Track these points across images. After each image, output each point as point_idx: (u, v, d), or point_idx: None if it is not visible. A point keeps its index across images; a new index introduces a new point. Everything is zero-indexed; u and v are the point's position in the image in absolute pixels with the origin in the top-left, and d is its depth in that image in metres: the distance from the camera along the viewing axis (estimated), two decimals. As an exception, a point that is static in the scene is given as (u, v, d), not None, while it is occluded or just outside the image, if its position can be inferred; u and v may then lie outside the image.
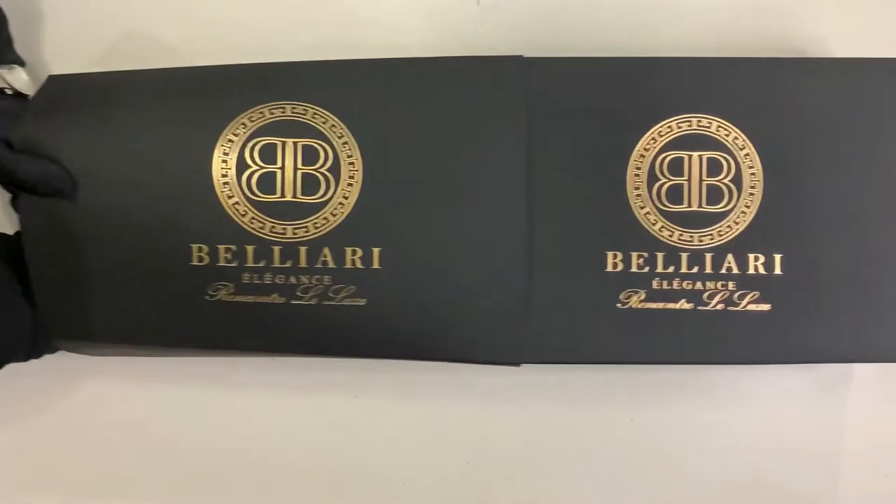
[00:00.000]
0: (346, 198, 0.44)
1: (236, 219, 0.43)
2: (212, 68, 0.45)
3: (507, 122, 0.44)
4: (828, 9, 0.50)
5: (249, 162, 0.44)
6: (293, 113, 0.44)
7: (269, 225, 0.43)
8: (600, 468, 0.50)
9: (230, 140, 0.44)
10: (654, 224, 0.44)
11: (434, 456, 0.50)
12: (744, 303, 0.44)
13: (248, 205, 0.43)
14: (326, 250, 0.43)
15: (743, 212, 0.44)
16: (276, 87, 0.44)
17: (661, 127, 0.45)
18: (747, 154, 0.44)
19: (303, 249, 0.43)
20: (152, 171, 0.43)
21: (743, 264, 0.44)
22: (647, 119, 0.45)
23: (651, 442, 0.50)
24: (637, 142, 0.44)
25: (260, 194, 0.44)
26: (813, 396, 0.50)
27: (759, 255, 0.44)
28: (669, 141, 0.44)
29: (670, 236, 0.44)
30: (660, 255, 0.44)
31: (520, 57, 0.44)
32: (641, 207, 0.44)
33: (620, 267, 0.44)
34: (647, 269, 0.44)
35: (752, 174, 0.44)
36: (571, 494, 0.50)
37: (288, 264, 0.43)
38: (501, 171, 0.44)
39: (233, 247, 0.43)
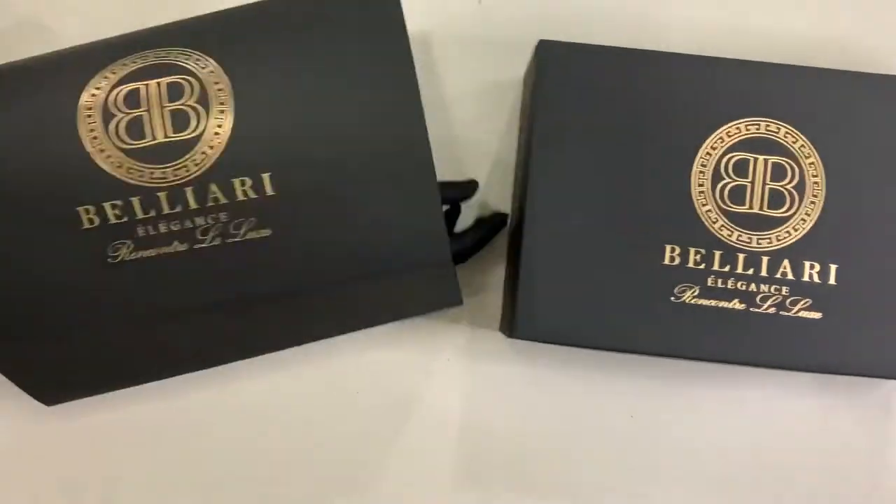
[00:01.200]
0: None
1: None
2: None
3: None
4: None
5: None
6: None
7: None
8: (600, 460, 0.51)
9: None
10: (714, 222, 0.44)
11: (429, 445, 0.51)
12: (795, 309, 0.44)
13: (119, 154, 0.40)
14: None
15: (803, 219, 0.45)
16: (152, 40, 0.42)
17: (729, 127, 0.45)
18: (812, 163, 0.45)
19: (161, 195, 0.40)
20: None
21: (798, 271, 0.44)
22: (717, 118, 0.45)
23: (651, 436, 0.51)
24: (706, 140, 0.45)
25: (130, 141, 0.40)
26: (814, 393, 0.51)
27: (815, 264, 0.44)
28: (737, 142, 0.45)
29: (729, 236, 0.44)
30: (717, 254, 0.44)
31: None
32: (703, 204, 0.45)
33: (677, 261, 0.44)
34: (703, 266, 0.44)
35: (816, 183, 0.45)
36: (571, 484, 0.51)
37: None
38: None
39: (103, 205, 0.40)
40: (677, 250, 0.44)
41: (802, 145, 0.45)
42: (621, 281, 0.44)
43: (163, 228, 0.40)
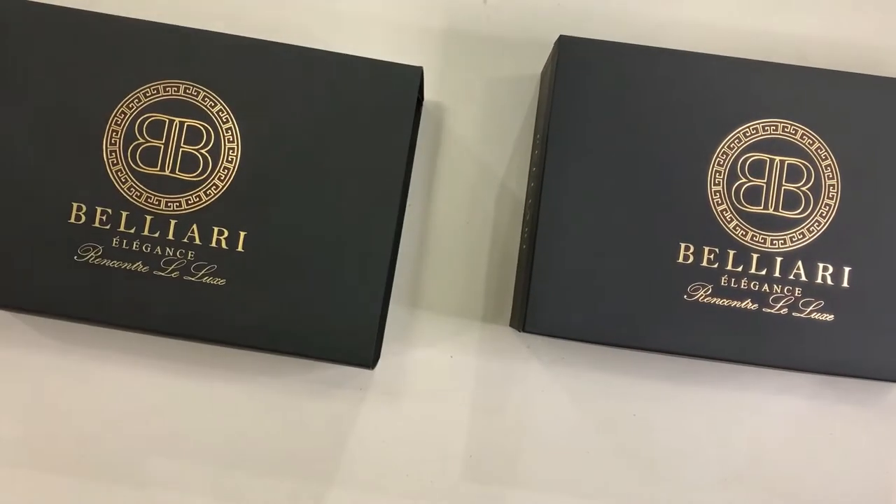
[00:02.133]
0: (220, 180, 0.45)
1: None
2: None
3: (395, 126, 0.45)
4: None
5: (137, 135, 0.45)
6: (185, 94, 0.45)
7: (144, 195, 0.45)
8: (603, 459, 0.51)
9: (123, 113, 0.45)
10: (729, 222, 0.45)
11: (433, 444, 0.51)
12: (808, 310, 0.44)
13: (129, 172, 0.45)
14: (194, 227, 0.45)
15: (818, 221, 0.45)
16: (171, 61, 0.45)
17: (746, 128, 0.45)
18: (828, 165, 0.45)
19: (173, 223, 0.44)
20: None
21: (811, 272, 0.44)
22: (735, 119, 0.45)
23: (654, 434, 0.51)
24: (723, 139, 0.45)
25: (142, 165, 0.45)
26: (821, 395, 0.51)
27: (829, 266, 0.44)
28: (754, 142, 0.45)
29: (744, 236, 0.45)
30: (731, 253, 0.44)
31: (419, 68, 0.46)
32: (719, 204, 0.45)
33: (691, 259, 0.44)
34: (716, 265, 0.44)
35: (831, 185, 0.45)
36: (574, 480, 0.51)
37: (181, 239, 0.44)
38: (380, 175, 0.45)
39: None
40: (691, 249, 0.45)
41: (819, 147, 0.45)
42: (634, 278, 0.44)
43: (135, 247, 0.44)
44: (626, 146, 0.45)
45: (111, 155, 0.44)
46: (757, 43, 0.52)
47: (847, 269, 0.45)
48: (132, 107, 0.44)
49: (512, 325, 0.50)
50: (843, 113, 0.45)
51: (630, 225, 0.45)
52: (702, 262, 0.44)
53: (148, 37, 0.46)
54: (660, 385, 0.51)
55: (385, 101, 0.45)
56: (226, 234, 0.44)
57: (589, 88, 0.45)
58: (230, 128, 0.45)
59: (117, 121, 0.45)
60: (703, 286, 0.44)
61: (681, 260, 0.44)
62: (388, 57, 0.46)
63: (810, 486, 0.51)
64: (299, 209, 0.45)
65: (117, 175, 0.44)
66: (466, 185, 0.52)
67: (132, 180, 0.44)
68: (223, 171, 0.45)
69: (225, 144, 0.45)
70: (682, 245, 0.45)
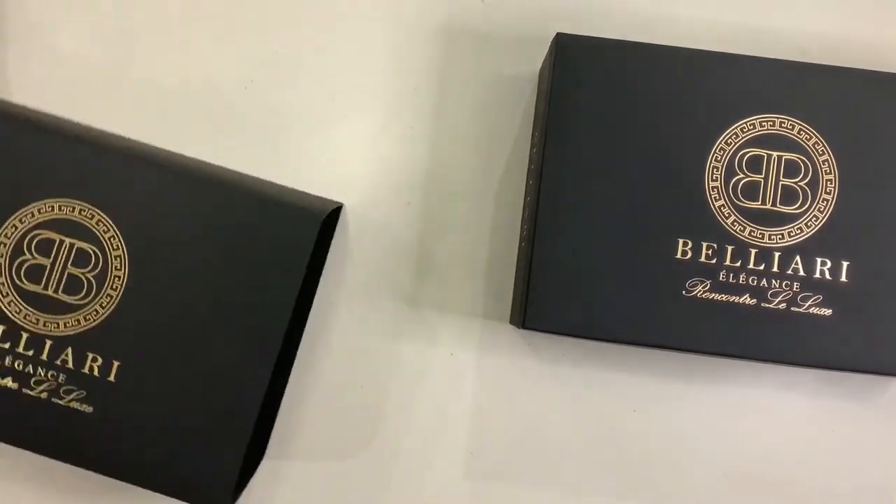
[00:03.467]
0: (102, 306, 0.44)
1: None
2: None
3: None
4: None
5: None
6: (71, 213, 0.44)
7: None
8: (603, 456, 0.51)
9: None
10: (727, 217, 0.45)
11: (434, 441, 0.51)
12: (806, 305, 0.44)
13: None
14: (69, 350, 0.44)
15: (815, 216, 0.45)
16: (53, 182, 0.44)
17: (744, 123, 0.45)
18: (826, 160, 0.45)
19: None
20: None
21: (810, 267, 0.45)
22: (732, 114, 0.45)
23: (654, 432, 0.51)
24: (720, 135, 0.45)
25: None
26: (820, 391, 0.51)
27: (827, 261, 0.45)
28: (751, 138, 0.45)
29: (742, 231, 0.45)
30: (729, 249, 0.45)
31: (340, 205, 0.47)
32: (716, 200, 0.45)
33: (689, 255, 0.45)
34: (714, 261, 0.45)
35: (829, 180, 0.45)
36: (575, 480, 0.51)
37: None
38: (265, 318, 0.44)
39: None
40: (690, 244, 0.45)
41: (816, 142, 0.45)
42: (633, 274, 0.44)
43: (7, 363, 0.44)
44: (624, 143, 0.45)
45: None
46: (755, 38, 0.53)
47: (845, 264, 0.45)
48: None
49: (512, 322, 0.51)
50: (840, 108, 0.45)
51: (628, 221, 0.45)
52: (700, 257, 0.45)
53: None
54: (661, 382, 0.51)
55: (281, 245, 0.45)
56: (99, 361, 0.44)
57: (586, 86, 0.46)
58: (119, 255, 0.44)
59: (7, 234, 0.44)
60: (702, 281, 0.44)
61: (679, 255, 0.45)
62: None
63: (811, 482, 0.51)
64: (177, 345, 0.44)
65: None
66: (465, 183, 0.52)
67: (13, 295, 0.44)
68: (106, 297, 0.44)
69: (112, 270, 0.44)
70: (681, 241, 0.45)
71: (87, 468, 0.44)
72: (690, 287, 0.44)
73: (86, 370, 0.44)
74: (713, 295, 0.44)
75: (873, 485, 0.50)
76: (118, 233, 0.44)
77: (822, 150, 0.45)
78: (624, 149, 0.45)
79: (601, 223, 0.45)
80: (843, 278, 0.45)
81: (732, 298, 0.44)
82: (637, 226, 0.45)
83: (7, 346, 0.44)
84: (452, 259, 0.52)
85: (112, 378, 0.44)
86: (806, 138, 0.45)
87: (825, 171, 0.45)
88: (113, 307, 0.44)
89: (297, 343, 0.51)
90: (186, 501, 0.44)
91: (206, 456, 0.44)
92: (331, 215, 0.49)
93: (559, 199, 0.45)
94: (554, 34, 0.47)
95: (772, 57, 0.46)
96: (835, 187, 0.45)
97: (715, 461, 0.51)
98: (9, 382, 0.44)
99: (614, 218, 0.45)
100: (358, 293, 0.52)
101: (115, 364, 0.44)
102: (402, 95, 0.53)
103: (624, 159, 0.45)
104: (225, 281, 0.45)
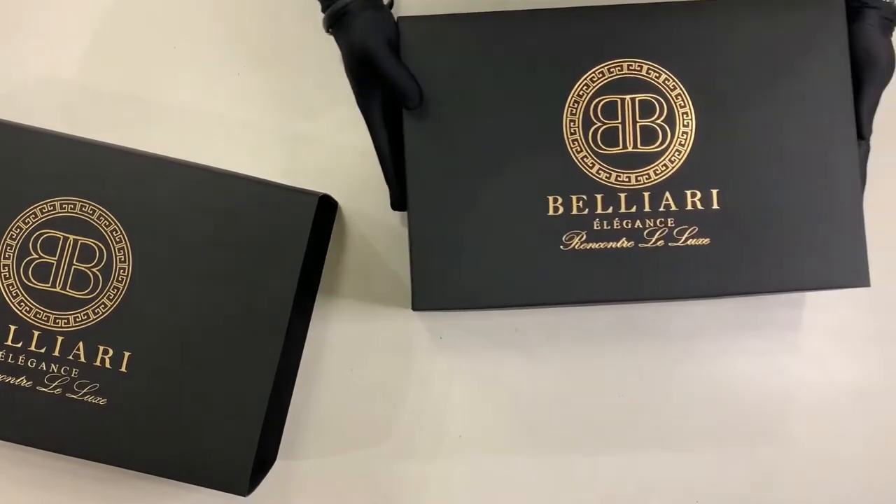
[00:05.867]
0: (109, 299, 0.46)
1: None
2: None
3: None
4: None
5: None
6: (73, 210, 0.46)
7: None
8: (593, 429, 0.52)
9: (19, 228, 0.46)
10: (591, 167, 0.45)
11: (430, 411, 0.52)
12: (683, 238, 0.45)
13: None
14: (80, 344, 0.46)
15: (678, 150, 0.45)
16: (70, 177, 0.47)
17: (592, 73, 0.46)
18: (679, 94, 0.46)
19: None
20: None
21: (680, 201, 0.45)
22: (581, 65, 0.46)
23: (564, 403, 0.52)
24: (572, 88, 0.46)
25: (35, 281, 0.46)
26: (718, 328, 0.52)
27: (696, 191, 0.45)
28: (602, 85, 0.46)
29: (608, 178, 0.45)
30: (599, 197, 0.45)
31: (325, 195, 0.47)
32: (578, 151, 0.46)
33: (561, 210, 0.45)
34: (586, 212, 0.45)
35: (685, 113, 0.46)
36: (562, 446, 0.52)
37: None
38: (271, 300, 0.46)
39: None
40: (560, 200, 0.45)
41: (667, 79, 0.46)
42: (510, 238, 0.45)
43: (20, 361, 0.46)
44: (482, 113, 0.46)
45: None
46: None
47: (715, 192, 0.45)
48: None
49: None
50: (682, 41, 0.46)
51: (497, 189, 0.45)
52: (572, 210, 0.45)
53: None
54: (555, 354, 0.52)
55: (279, 228, 0.46)
56: (111, 353, 0.45)
57: (436, 65, 0.46)
58: (122, 247, 0.46)
59: (13, 235, 0.46)
60: (578, 234, 0.45)
61: (551, 213, 0.45)
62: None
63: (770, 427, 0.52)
64: (185, 332, 0.46)
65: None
66: (362, 179, 0.53)
67: (23, 295, 0.46)
68: (113, 289, 0.46)
69: (116, 263, 0.46)
70: (551, 198, 0.45)
71: (102, 461, 0.46)
72: (567, 241, 0.45)
73: (98, 363, 0.45)
74: (590, 244, 0.45)
75: (766, 403, 0.52)
76: (119, 226, 0.46)
77: (674, 86, 0.46)
78: (482, 118, 0.46)
79: (471, 196, 0.45)
80: (715, 206, 0.45)
81: (610, 244, 0.45)
82: (506, 192, 0.45)
83: (20, 345, 0.45)
84: (373, 252, 0.52)
85: (124, 369, 0.45)
86: (656, 76, 0.46)
87: (680, 104, 0.46)
88: (120, 299, 0.46)
89: (303, 332, 0.52)
90: (205, 486, 0.46)
91: (221, 439, 0.45)
92: (326, 206, 0.49)
93: (426, 180, 0.46)
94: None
95: (606, 4, 0.47)
96: (692, 119, 0.46)
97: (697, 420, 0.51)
98: (23, 381, 0.45)
99: (482, 188, 0.45)
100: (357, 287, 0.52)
101: (126, 355, 0.46)
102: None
103: (483, 129, 0.46)
104: (228, 267, 0.46)
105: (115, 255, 0.46)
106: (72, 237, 0.46)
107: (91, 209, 0.46)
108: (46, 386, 0.45)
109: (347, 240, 0.53)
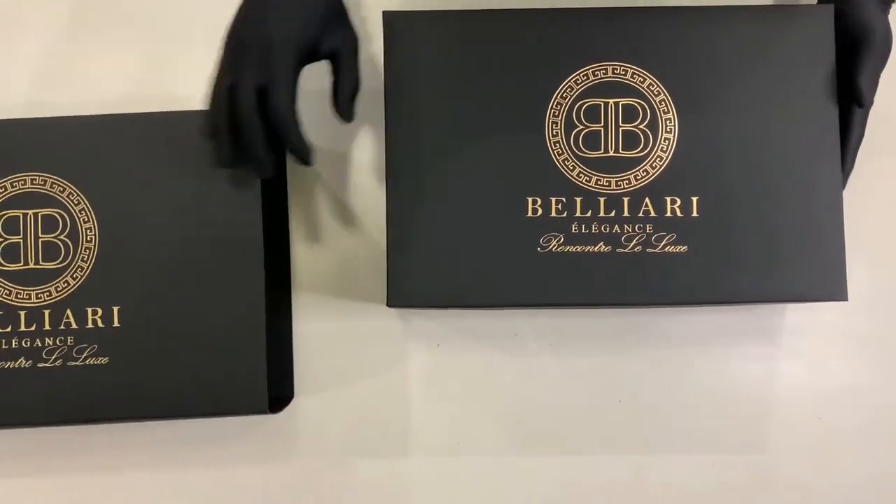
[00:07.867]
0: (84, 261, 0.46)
1: None
2: None
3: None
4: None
5: None
6: (33, 185, 0.46)
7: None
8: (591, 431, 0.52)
9: None
10: (572, 170, 0.45)
11: (426, 407, 0.51)
12: (661, 245, 0.45)
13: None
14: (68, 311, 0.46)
15: (659, 156, 0.45)
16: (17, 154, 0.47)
17: (577, 75, 0.46)
18: (662, 100, 0.45)
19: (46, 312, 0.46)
20: None
21: (660, 207, 0.45)
22: (564, 68, 0.46)
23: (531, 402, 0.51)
24: (555, 90, 0.45)
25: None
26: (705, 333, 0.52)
27: (676, 198, 0.45)
28: (586, 88, 0.45)
29: (588, 181, 0.45)
30: (578, 200, 0.45)
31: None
32: (559, 154, 0.45)
33: (540, 212, 0.45)
34: (565, 214, 0.45)
35: (668, 119, 0.45)
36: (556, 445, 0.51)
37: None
38: (240, 227, 0.46)
39: None
40: (539, 202, 0.45)
41: (651, 84, 0.45)
42: (488, 239, 0.45)
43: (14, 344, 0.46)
44: (464, 112, 0.45)
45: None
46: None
47: (695, 199, 0.45)
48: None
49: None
50: (668, 47, 0.46)
51: (477, 188, 0.45)
52: (550, 213, 0.45)
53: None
54: (553, 358, 0.51)
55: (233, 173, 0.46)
56: (99, 312, 0.46)
57: (420, 60, 0.46)
58: (83, 208, 0.46)
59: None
60: (555, 236, 0.45)
61: (530, 214, 0.45)
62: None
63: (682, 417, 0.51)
64: (166, 275, 0.46)
65: None
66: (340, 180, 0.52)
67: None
68: (84, 251, 0.46)
69: (81, 225, 0.46)
70: (530, 199, 0.45)
71: (121, 419, 0.46)
72: (545, 243, 0.45)
73: (90, 324, 0.46)
74: (567, 247, 0.45)
75: (752, 405, 0.51)
76: (75, 189, 0.46)
77: (658, 91, 0.45)
78: (464, 117, 0.45)
79: (451, 194, 0.45)
80: (695, 213, 0.45)
81: (587, 248, 0.45)
82: (485, 192, 0.45)
83: (9, 329, 0.45)
84: (346, 250, 0.52)
85: (116, 323, 0.46)
86: (640, 81, 0.45)
87: (663, 110, 0.45)
88: (94, 258, 0.46)
89: (286, 261, 0.51)
90: (226, 414, 0.46)
91: (230, 362, 0.46)
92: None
93: (407, 177, 0.45)
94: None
95: (593, 7, 0.46)
96: (675, 126, 0.45)
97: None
98: (22, 363, 0.45)
99: (462, 188, 0.45)
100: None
101: (115, 309, 0.46)
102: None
103: (465, 128, 0.45)
104: (192, 195, 0.46)
105: (78, 218, 0.46)
106: (31, 212, 0.46)
107: (42, 180, 0.46)
108: (46, 361, 0.45)
109: (344, 239, 0.52)
